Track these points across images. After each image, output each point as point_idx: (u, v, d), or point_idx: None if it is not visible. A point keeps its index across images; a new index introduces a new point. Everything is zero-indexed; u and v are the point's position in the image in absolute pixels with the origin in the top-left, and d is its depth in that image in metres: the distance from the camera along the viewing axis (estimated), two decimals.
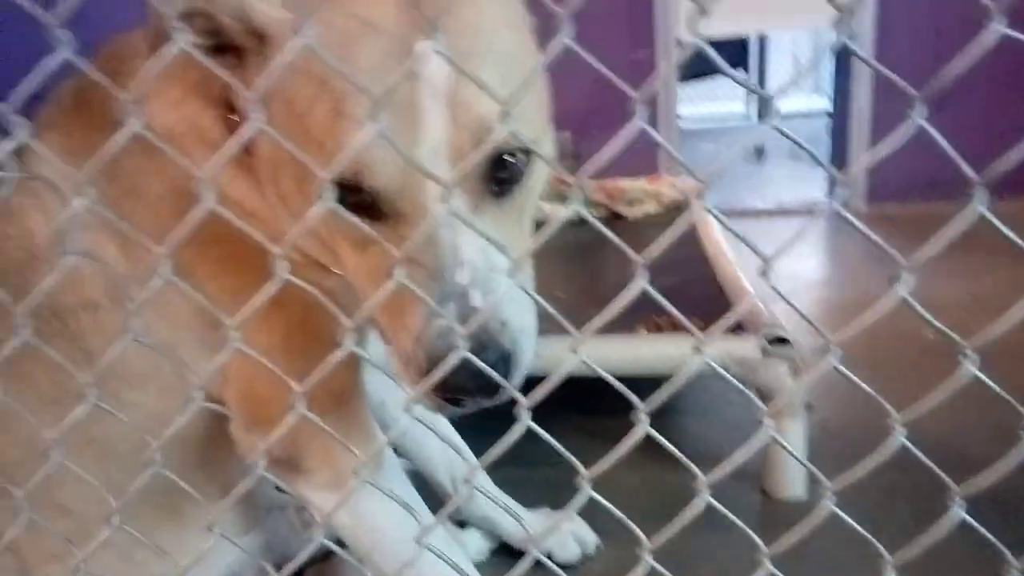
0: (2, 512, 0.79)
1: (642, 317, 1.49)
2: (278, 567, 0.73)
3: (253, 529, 0.99)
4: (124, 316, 0.81)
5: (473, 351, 0.57)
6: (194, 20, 0.65)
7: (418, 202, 0.63)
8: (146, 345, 0.64)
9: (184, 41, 0.52)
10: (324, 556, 1.20)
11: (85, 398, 0.65)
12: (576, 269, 2.11)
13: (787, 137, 0.49)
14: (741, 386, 0.61)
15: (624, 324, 1.49)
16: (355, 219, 0.57)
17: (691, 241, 2.07)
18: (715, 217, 0.53)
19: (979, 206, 0.47)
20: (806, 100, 7.23)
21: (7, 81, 0.56)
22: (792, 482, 1.34)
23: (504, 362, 0.63)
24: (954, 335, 0.51)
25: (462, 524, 1.23)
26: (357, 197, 0.62)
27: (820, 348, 0.53)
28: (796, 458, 0.70)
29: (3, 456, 0.81)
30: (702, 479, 0.59)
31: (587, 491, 0.61)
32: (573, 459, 0.60)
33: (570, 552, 1.19)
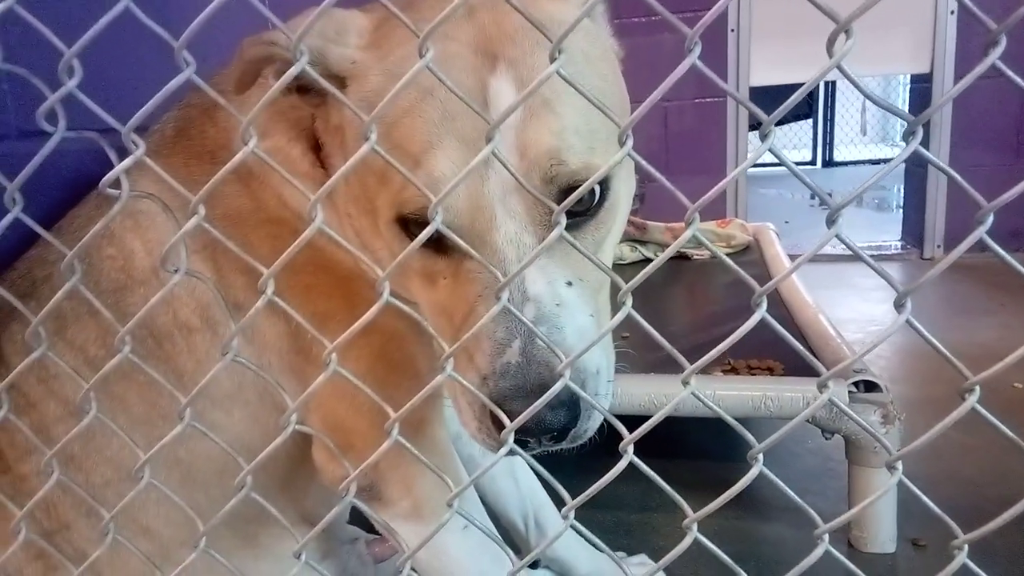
0: (90, 530, 0.80)
1: (717, 359, 1.46)
2: None
3: (327, 558, 0.98)
4: (218, 337, 0.83)
5: (534, 392, 0.55)
6: (276, 64, 0.67)
7: (486, 237, 0.62)
8: (246, 366, 0.64)
9: (303, 68, 0.53)
10: None
11: (178, 418, 0.65)
12: (639, 310, 2.07)
13: (933, 164, 0.47)
14: (868, 427, 0.57)
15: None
16: (462, 242, 0.56)
17: (763, 282, 2.02)
18: (845, 244, 0.50)
19: None
20: (875, 149, 7.11)
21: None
22: (880, 535, 1.27)
23: (568, 406, 0.60)
24: None
25: (533, 564, 1.19)
26: (420, 230, 0.62)
27: (961, 389, 0.49)
28: (929, 506, 0.66)
29: (93, 476, 0.81)
30: (822, 527, 0.55)
31: (694, 533, 0.57)
32: (680, 500, 0.57)
33: None
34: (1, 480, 0.79)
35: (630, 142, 0.53)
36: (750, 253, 2.40)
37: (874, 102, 0.51)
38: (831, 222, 0.51)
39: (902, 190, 3.88)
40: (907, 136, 0.49)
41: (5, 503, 0.74)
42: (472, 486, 1.10)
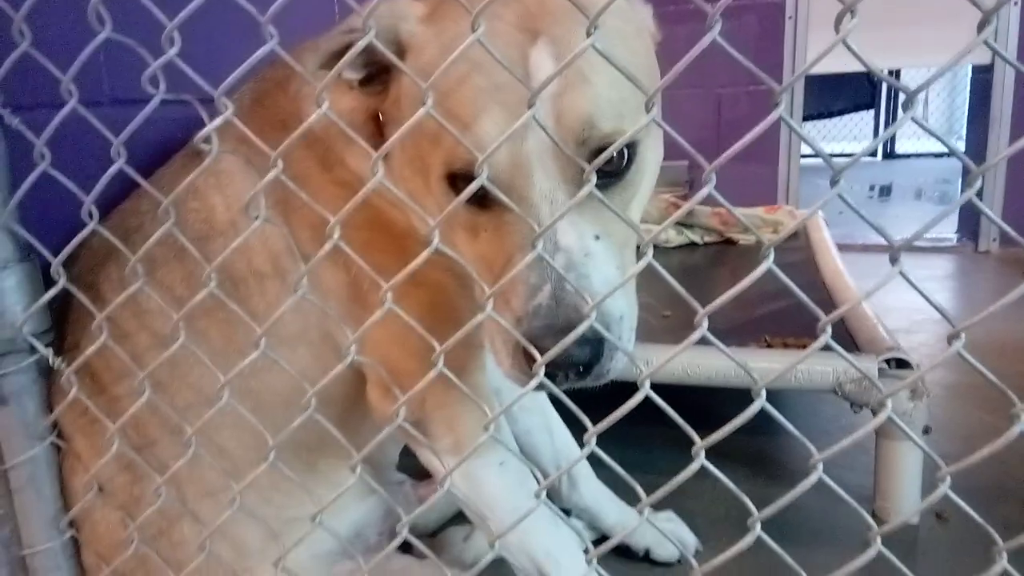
0: (173, 447, 0.90)
1: (755, 336, 1.50)
2: (393, 535, 0.80)
3: (375, 495, 1.07)
4: (287, 285, 0.93)
5: (563, 330, 0.63)
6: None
7: (524, 192, 0.70)
8: (311, 301, 0.73)
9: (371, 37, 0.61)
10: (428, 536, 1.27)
11: (254, 349, 0.75)
12: (685, 290, 2.14)
13: (928, 131, 0.52)
14: (861, 368, 0.63)
15: (736, 343, 1.50)
16: (503, 196, 0.63)
17: (808, 267, 2.06)
18: (846, 203, 0.56)
19: None
20: (937, 142, 6.88)
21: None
22: (905, 507, 1.31)
23: (593, 344, 0.67)
24: None
25: (566, 513, 1.27)
26: (467, 186, 0.70)
27: (949, 335, 0.55)
28: (915, 441, 0.71)
29: (177, 399, 0.92)
30: (816, 456, 0.61)
31: (701, 460, 0.64)
32: (688, 428, 0.64)
33: (669, 551, 1.21)
34: (98, 399, 0.90)
35: (656, 110, 0.60)
36: (796, 239, 2.42)
37: (876, 76, 0.56)
38: (833, 183, 0.57)
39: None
40: (905, 106, 0.55)
41: (101, 418, 0.85)
42: (511, 437, 1.18)
